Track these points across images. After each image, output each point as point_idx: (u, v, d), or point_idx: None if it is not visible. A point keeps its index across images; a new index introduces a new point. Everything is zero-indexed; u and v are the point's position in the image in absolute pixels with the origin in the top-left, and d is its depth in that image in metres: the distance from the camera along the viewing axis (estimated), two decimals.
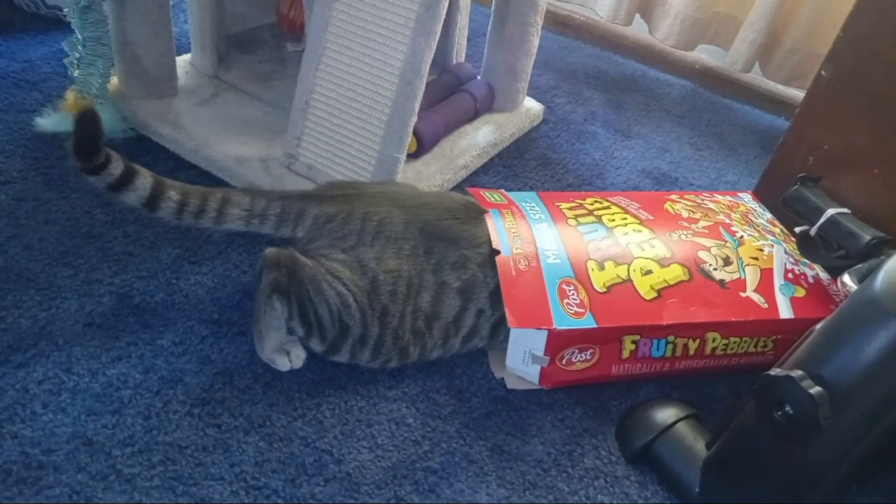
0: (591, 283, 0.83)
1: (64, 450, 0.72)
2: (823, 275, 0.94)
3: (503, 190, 0.98)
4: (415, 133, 1.07)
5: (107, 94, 1.10)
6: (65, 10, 1.06)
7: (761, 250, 0.94)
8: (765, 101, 1.60)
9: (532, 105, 1.38)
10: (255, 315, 0.82)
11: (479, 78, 1.31)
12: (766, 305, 0.87)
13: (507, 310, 0.80)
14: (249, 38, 1.35)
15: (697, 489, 0.76)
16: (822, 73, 1.01)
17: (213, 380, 0.81)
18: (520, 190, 1.11)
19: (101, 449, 0.73)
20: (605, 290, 0.83)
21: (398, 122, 0.99)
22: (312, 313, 0.79)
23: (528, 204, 0.94)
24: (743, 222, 1.00)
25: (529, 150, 1.31)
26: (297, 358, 0.83)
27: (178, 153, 1.10)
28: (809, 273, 0.94)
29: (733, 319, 0.85)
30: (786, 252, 0.95)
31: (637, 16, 1.62)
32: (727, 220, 0.98)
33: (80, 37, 1.05)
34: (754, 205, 1.08)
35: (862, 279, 0.77)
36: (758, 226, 1.00)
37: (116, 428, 0.75)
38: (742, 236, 0.95)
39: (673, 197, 1.03)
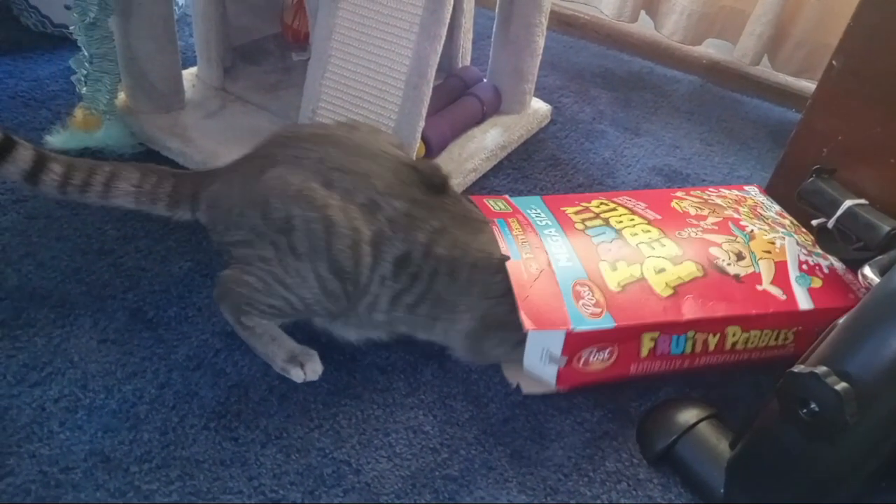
0: (605, 282, 0.82)
1: (82, 467, 0.72)
2: (838, 264, 0.93)
3: (507, 196, 0.97)
4: (423, 138, 1.06)
5: (114, 109, 1.11)
6: (71, 27, 1.06)
7: (773, 243, 0.93)
8: (775, 94, 1.58)
9: (539, 106, 1.37)
10: (247, 344, 0.83)
11: (485, 81, 1.31)
12: (785, 297, 0.86)
13: (521, 314, 0.79)
14: (255, 50, 1.35)
15: (722, 490, 0.74)
16: (833, 63, 1.00)
17: (228, 393, 0.81)
18: (530, 192, 1.11)
19: (119, 465, 0.72)
20: (620, 289, 0.82)
21: (406, 128, 0.98)
22: (280, 299, 0.79)
23: (533, 210, 0.93)
24: (752, 216, 0.98)
25: (538, 152, 1.30)
26: (313, 372, 0.83)
27: (187, 166, 1.10)
28: (824, 263, 0.92)
29: (753, 312, 0.83)
30: (798, 243, 0.94)
31: (642, 13, 1.61)
32: (735, 215, 0.97)
33: (86, 54, 1.05)
34: (762, 198, 1.06)
35: (883, 271, 0.76)
36: (767, 219, 0.99)
37: (133, 444, 0.74)
38: (752, 230, 0.94)
39: (679, 194, 1.02)
